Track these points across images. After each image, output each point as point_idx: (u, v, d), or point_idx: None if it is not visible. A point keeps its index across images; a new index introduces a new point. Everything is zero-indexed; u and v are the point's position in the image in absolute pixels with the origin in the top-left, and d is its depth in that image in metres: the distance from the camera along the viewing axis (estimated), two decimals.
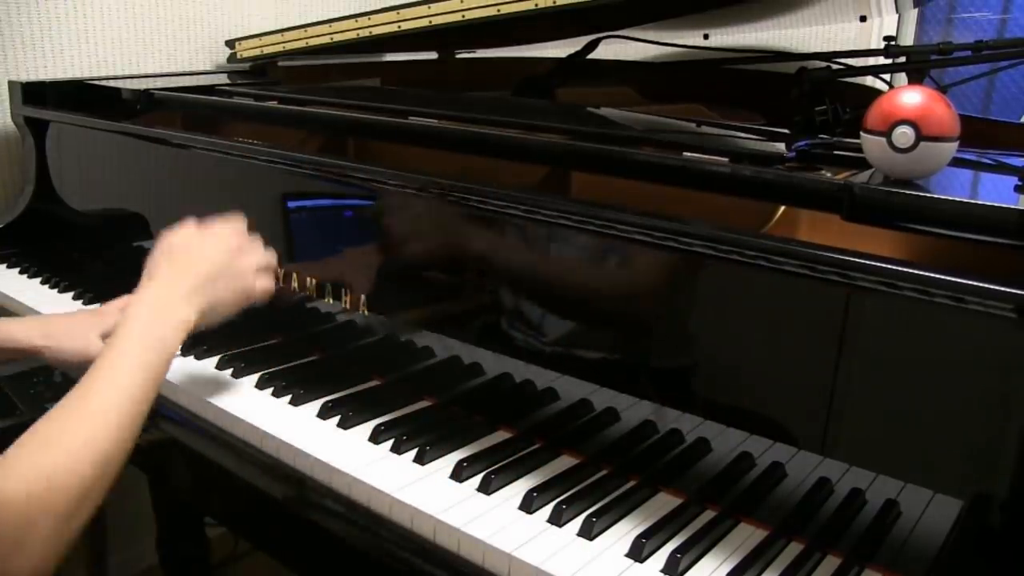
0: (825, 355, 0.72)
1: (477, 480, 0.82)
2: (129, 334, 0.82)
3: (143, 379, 0.79)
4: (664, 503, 0.81)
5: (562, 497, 0.79)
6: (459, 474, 0.83)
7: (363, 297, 1.04)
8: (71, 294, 1.32)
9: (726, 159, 0.84)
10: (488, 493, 0.81)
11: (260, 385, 1.02)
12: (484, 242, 0.94)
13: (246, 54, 1.60)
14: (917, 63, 1.11)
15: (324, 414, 0.95)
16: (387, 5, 1.29)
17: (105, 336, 1.04)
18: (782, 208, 0.84)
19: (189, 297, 0.88)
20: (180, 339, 0.85)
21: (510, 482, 0.83)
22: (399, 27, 1.28)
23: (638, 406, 0.85)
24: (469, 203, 0.93)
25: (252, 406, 0.97)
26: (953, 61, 1.13)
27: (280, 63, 1.61)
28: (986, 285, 0.62)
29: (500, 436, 0.92)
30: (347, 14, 1.37)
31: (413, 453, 0.87)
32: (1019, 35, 1.59)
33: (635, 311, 0.86)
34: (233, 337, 1.13)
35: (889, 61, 1.18)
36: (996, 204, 0.67)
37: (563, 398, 0.90)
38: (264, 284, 0.95)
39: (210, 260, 0.93)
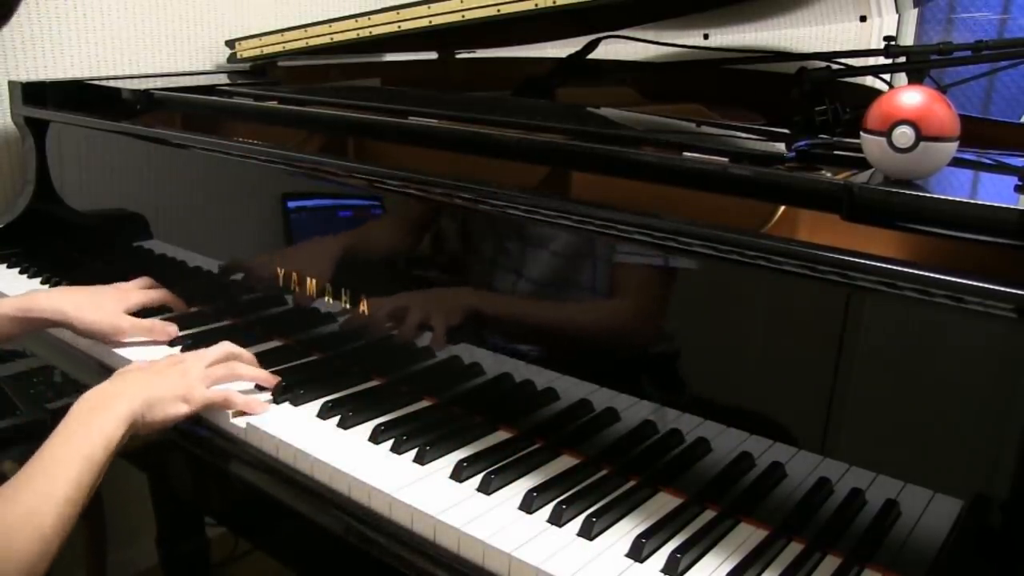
0: (825, 355, 0.72)
1: (477, 480, 0.82)
2: (72, 426, 0.86)
3: (89, 471, 0.83)
4: (664, 503, 0.81)
5: (562, 497, 0.79)
6: (459, 474, 0.83)
7: (363, 297, 1.04)
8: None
9: (726, 159, 0.84)
10: (488, 493, 0.81)
11: (260, 385, 1.02)
12: (484, 242, 0.94)
13: (246, 54, 1.60)
14: (917, 63, 1.11)
15: (324, 414, 0.95)
16: (387, 5, 1.29)
17: (129, 312, 1.15)
18: (782, 208, 0.84)
19: (125, 394, 0.90)
20: (120, 432, 0.87)
21: (510, 482, 0.83)
22: (399, 27, 1.28)
23: (638, 406, 0.85)
24: (469, 203, 0.93)
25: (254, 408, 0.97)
26: (953, 61, 1.13)
27: (280, 63, 1.60)
28: (986, 285, 0.62)
29: (500, 436, 0.92)
30: (347, 14, 1.37)
31: (413, 453, 0.87)
32: (1019, 35, 1.59)
33: (635, 311, 0.86)
34: (233, 339, 1.13)
35: (889, 61, 1.18)
36: (996, 204, 0.67)
37: (563, 398, 0.90)
38: (207, 396, 0.94)
39: (151, 365, 0.98)
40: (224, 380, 0.98)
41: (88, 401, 0.89)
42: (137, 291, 1.21)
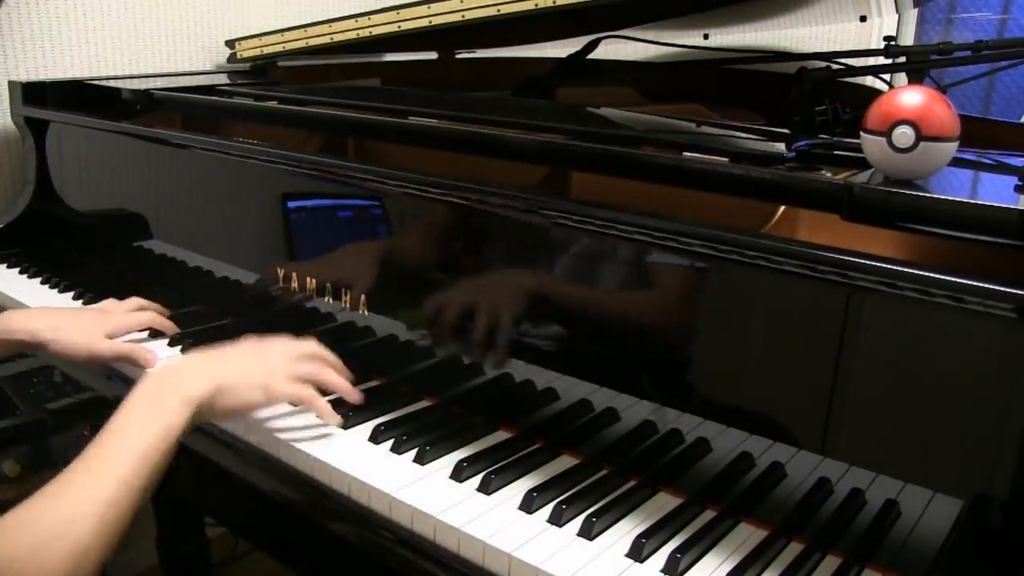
0: (825, 355, 0.72)
1: (477, 480, 0.82)
2: (131, 415, 0.79)
3: (140, 462, 0.75)
4: (664, 503, 0.81)
5: (562, 497, 0.79)
6: (459, 474, 0.83)
7: (363, 297, 1.04)
8: (71, 294, 1.32)
9: (726, 159, 0.84)
10: (488, 493, 0.81)
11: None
12: (484, 242, 0.94)
13: (246, 54, 1.60)
14: (917, 63, 1.11)
15: None
16: (387, 5, 1.29)
17: (110, 336, 1.05)
18: (782, 208, 0.84)
19: (194, 376, 0.83)
20: (181, 419, 0.80)
21: (510, 482, 0.83)
22: (399, 27, 1.28)
23: (638, 406, 0.85)
24: (469, 203, 0.93)
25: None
26: (953, 61, 1.13)
27: (280, 63, 1.61)
28: (986, 285, 0.62)
29: (500, 436, 0.92)
30: (347, 14, 1.37)
31: (413, 453, 0.87)
32: (1019, 35, 1.59)
33: (635, 311, 0.86)
34: (233, 339, 1.13)
35: (889, 61, 1.18)
36: (996, 204, 0.67)
37: (563, 398, 0.90)
38: (290, 391, 0.88)
39: (236, 346, 0.90)
40: (308, 380, 0.90)
41: (151, 385, 0.82)
42: (122, 314, 1.12)
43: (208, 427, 0.97)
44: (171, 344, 1.13)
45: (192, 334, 1.15)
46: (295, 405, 0.93)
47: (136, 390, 0.81)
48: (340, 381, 0.93)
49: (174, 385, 0.82)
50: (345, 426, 0.93)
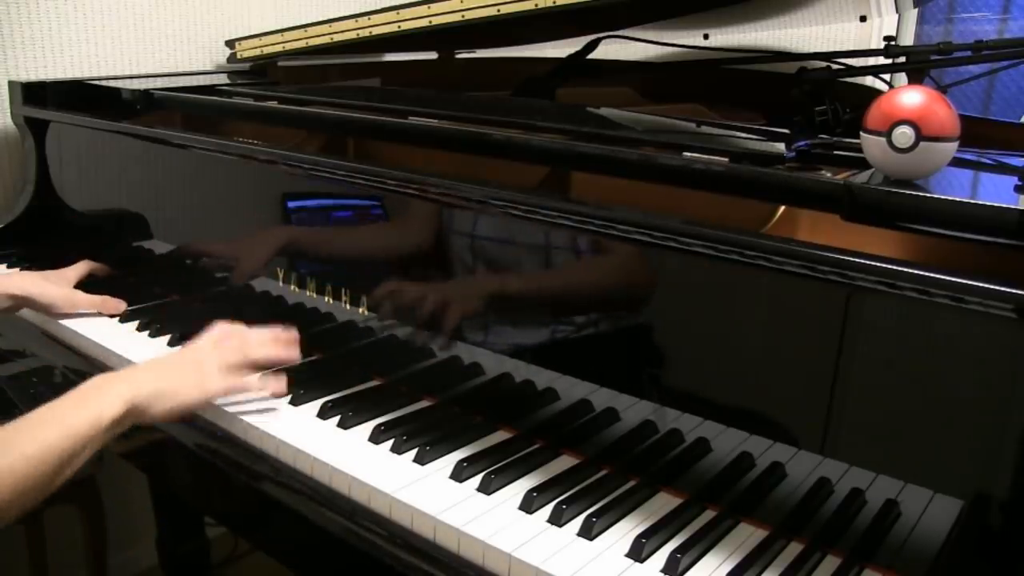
0: (825, 355, 0.72)
1: (477, 480, 0.82)
2: (69, 397, 0.86)
3: (66, 439, 0.82)
4: (664, 503, 0.81)
5: (562, 497, 0.79)
6: (459, 474, 0.83)
7: (363, 297, 1.04)
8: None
9: (726, 159, 0.84)
10: (488, 493, 0.81)
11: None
12: (483, 242, 0.94)
13: (246, 54, 1.60)
14: (917, 63, 1.11)
15: (324, 414, 0.95)
16: (387, 5, 1.29)
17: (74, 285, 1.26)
18: (782, 208, 0.84)
19: (133, 377, 0.91)
20: (114, 412, 0.86)
21: (510, 482, 0.83)
22: (399, 27, 1.28)
23: (638, 406, 0.85)
24: (468, 203, 0.93)
25: (252, 406, 0.97)
26: (953, 61, 1.13)
27: (280, 63, 1.60)
28: (986, 285, 0.62)
29: (500, 436, 0.92)
30: (347, 14, 1.37)
31: (413, 453, 0.87)
32: (1019, 35, 1.59)
33: (635, 311, 0.86)
34: None
35: (889, 61, 1.18)
36: (996, 204, 0.67)
37: (563, 398, 0.90)
38: (223, 384, 0.94)
39: (180, 352, 0.98)
40: (239, 365, 0.96)
41: (97, 380, 0.89)
42: (72, 268, 1.30)
43: (208, 427, 0.98)
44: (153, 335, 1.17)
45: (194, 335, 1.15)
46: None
47: (81, 385, 0.88)
48: (267, 353, 0.98)
49: (116, 384, 0.89)
50: (345, 426, 0.93)
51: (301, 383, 1.00)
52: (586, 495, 0.80)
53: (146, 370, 0.94)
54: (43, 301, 1.20)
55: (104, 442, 0.86)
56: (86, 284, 1.28)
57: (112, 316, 1.23)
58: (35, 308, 1.23)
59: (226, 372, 0.95)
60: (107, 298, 1.24)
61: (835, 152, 0.91)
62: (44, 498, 0.82)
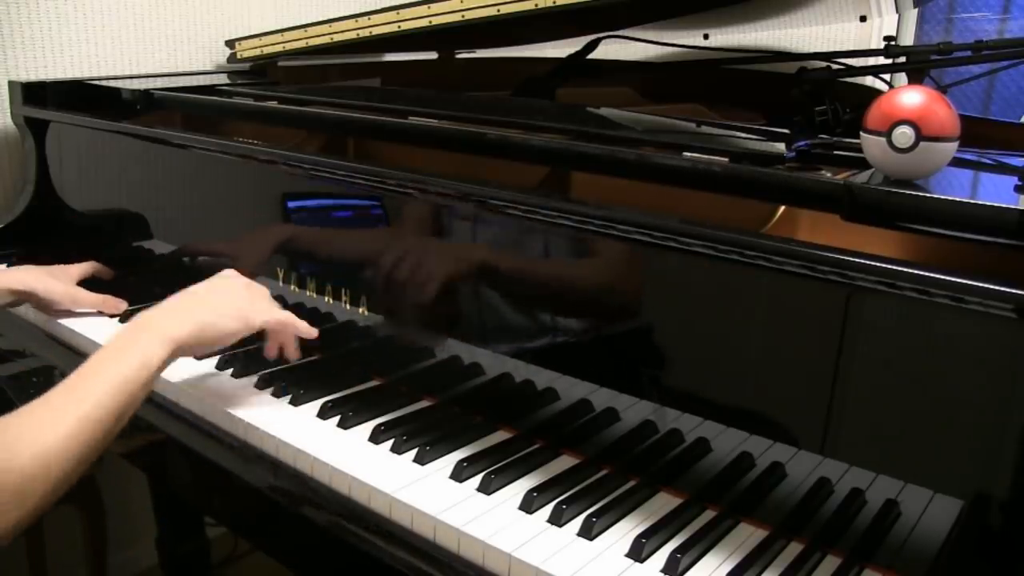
0: (825, 355, 0.72)
1: (477, 480, 0.82)
2: (109, 347, 0.85)
3: (119, 391, 0.80)
4: (664, 503, 0.81)
5: (562, 497, 0.79)
6: (459, 474, 0.83)
7: (363, 297, 1.04)
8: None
9: (726, 159, 0.84)
10: (488, 493, 0.81)
11: (260, 385, 1.02)
12: (484, 242, 0.94)
13: (246, 54, 1.60)
14: (917, 63, 1.11)
15: (324, 414, 0.95)
16: (387, 5, 1.29)
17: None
18: (782, 208, 0.84)
19: (172, 314, 0.89)
20: (161, 354, 0.85)
21: (510, 482, 0.83)
22: (399, 27, 1.28)
23: (638, 406, 0.85)
24: (469, 203, 0.93)
25: (252, 406, 0.97)
26: (953, 61, 1.13)
27: (280, 63, 1.60)
28: (986, 285, 0.62)
29: (500, 436, 0.92)
30: (347, 14, 1.37)
31: (413, 453, 0.87)
32: (1019, 35, 1.59)
33: (635, 311, 0.86)
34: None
35: (889, 61, 1.19)
36: (996, 204, 0.67)
37: (563, 398, 0.90)
38: (266, 315, 0.95)
39: (209, 284, 0.96)
40: (279, 325, 0.97)
41: (130, 327, 0.88)
42: (77, 266, 1.29)
43: (208, 427, 0.98)
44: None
45: None
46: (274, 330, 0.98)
47: (122, 327, 0.87)
48: (304, 325, 0.99)
49: (153, 326, 0.87)
50: (345, 426, 0.93)
51: (301, 383, 1.00)
52: (586, 495, 0.80)
53: (183, 305, 0.92)
54: (46, 297, 1.20)
55: (152, 384, 0.85)
56: (86, 284, 1.28)
57: (112, 316, 1.23)
58: (37, 304, 1.22)
59: (267, 303, 0.96)
60: (108, 297, 1.24)
61: (835, 152, 0.91)
62: (102, 453, 0.80)
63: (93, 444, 0.77)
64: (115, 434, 0.80)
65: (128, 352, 0.83)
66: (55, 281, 1.21)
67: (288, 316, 0.98)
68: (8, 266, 1.45)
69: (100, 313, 1.24)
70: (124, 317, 1.23)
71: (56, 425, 0.75)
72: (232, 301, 0.94)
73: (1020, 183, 0.76)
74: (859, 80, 1.37)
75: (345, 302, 1.06)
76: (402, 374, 1.03)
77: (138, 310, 1.21)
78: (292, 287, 1.11)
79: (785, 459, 0.77)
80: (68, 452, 0.75)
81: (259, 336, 1.14)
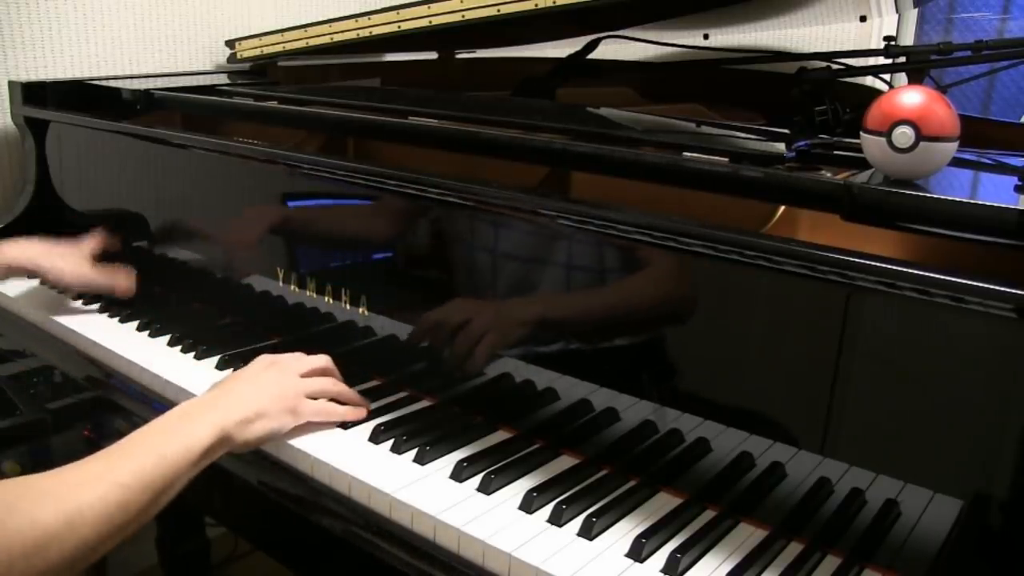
0: (825, 355, 0.72)
1: (477, 480, 0.82)
2: (156, 425, 0.83)
3: (159, 468, 0.78)
4: (664, 503, 0.81)
5: (562, 497, 0.79)
6: (459, 474, 0.83)
7: (363, 297, 1.04)
8: (71, 294, 1.32)
9: (726, 159, 0.84)
10: (488, 493, 0.81)
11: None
12: (484, 242, 0.94)
13: (246, 54, 1.60)
14: (917, 63, 1.11)
15: None
16: (387, 5, 1.29)
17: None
18: (782, 208, 0.84)
19: (222, 402, 0.86)
20: (205, 442, 0.82)
21: (510, 482, 0.83)
22: (399, 27, 1.28)
23: (638, 406, 0.85)
24: (469, 203, 0.93)
25: None
26: (953, 61, 1.13)
27: (280, 63, 1.60)
28: (986, 285, 0.62)
29: (500, 436, 0.92)
30: (347, 14, 1.37)
31: (413, 453, 0.87)
32: (1019, 35, 1.59)
33: (635, 311, 0.86)
34: (233, 338, 1.13)
35: (889, 61, 1.18)
36: (996, 204, 0.67)
37: (563, 398, 0.90)
38: (314, 407, 0.92)
39: (260, 369, 0.93)
40: (318, 395, 0.93)
41: (185, 406, 0.86)
42: (87, 241, 1.27)
43: None
44: (153, 335, 1.16)
45: (192, 335, 1.15)
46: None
47: (166, 413, 0.84)
48: (353, 394, 0.96)
49: (205, 411, 0.85)
50: (345, 426, 0.93)
51: None
52: (586, 495, 0.80)
53: (232, 394, 0.88)
54: (52, 274, 1.18)
55: (195, 473, 0.82)
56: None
57: (124, 296, 1.22)
58: (43, 279, 1.21)
59: (307, 396, 0.92)
60: (119, 274, 1.21)
61: (835, 152, 0.91)
62: (136, 531, 0.77)
63: (127, 513, 0.75)
64: (152, 512, 0.78)
65: (172, 431, 0.82)
66: (61, 258, 1.19)
67: (333, 409, 0.93)
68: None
69: (103, 311, 1.23)
70: (124, 317, 1.21)
71: (87, 487, 0.73)
72: (284, 393, 0.90)
73: (1020, 183, 0.76)
74: (859, 80, 1.37)
75: (345, 302, 1.06)
76: (402, 374, 1.03)
77: (139, 311, 1.22)
78: (292, 287, 1.11)
79: (785, 459, 0.77)
80: (98, 515, 0.73)
81: (259, 336, 1.14)
